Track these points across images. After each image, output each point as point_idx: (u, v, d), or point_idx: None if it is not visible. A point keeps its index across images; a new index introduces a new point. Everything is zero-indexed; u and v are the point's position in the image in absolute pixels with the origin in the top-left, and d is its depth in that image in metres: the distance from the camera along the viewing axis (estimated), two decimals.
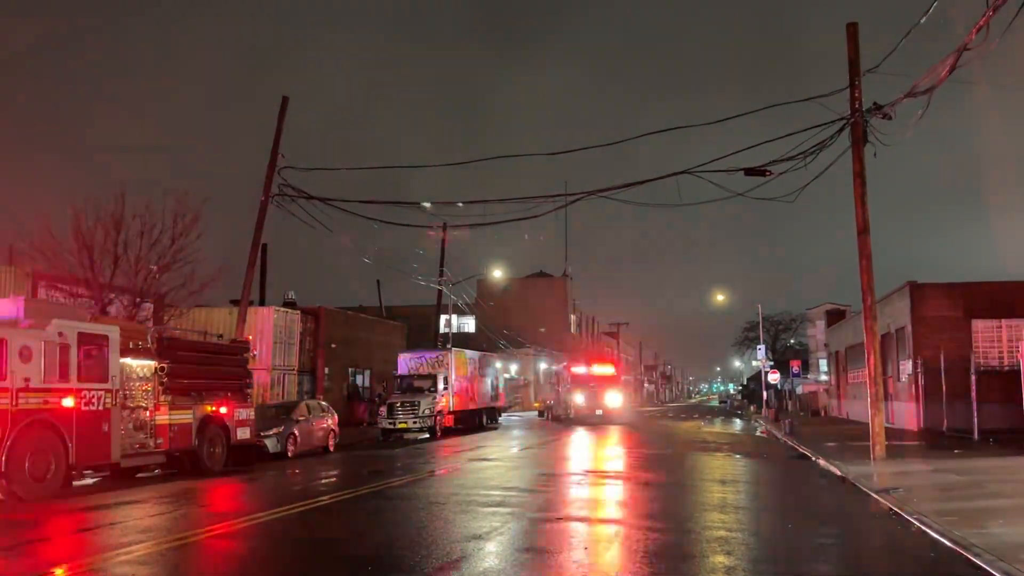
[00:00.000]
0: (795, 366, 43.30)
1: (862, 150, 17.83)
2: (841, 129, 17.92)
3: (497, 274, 52.76)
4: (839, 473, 15.89)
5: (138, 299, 24.69)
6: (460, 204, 24.88)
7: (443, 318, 44.43)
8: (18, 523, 11.21)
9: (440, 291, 42.31)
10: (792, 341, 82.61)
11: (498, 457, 21.49)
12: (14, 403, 13.05)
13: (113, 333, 15.62)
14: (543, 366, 64.39)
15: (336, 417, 25.96)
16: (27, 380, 13.34)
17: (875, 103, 17.52)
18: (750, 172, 19.21)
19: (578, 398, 42.43)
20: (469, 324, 61.71)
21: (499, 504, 12.65)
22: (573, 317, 78.61)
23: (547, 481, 16.14)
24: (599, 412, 40.99)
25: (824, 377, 56.14)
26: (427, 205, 25.44)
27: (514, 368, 51.99)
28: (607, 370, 44.42)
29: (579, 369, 44.56)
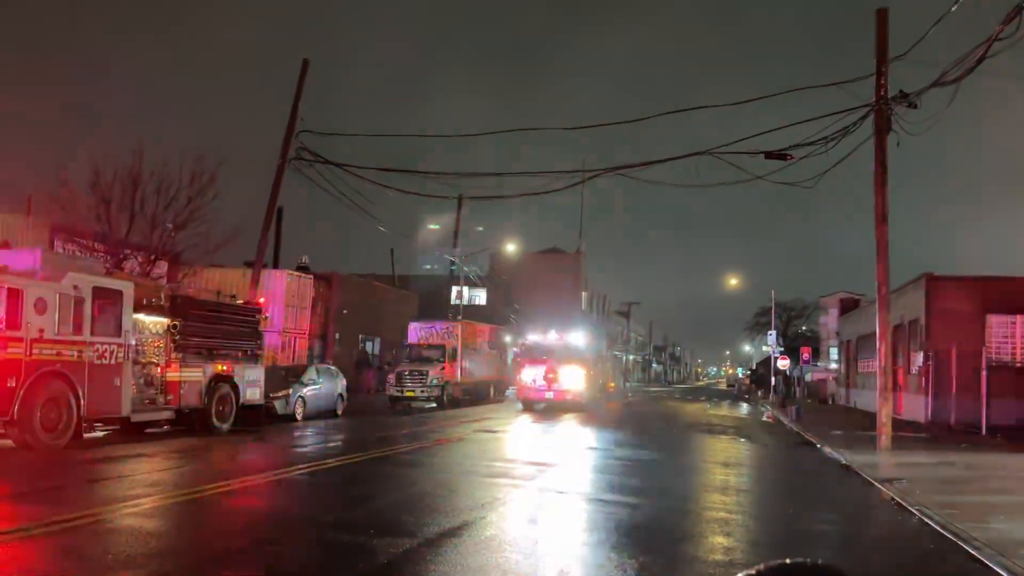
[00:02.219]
0: (805, 353, 43.00)
1: (885, 138, 17.62)
2: (865, 116, 17.71)
3: (511, 248, 52.66)
4: (843, 461, 15.89)
5: (153, 257, 24.82)
6: (446, 175, 24.76)
7: (454, 289, 44.50)
8: (28, 471, 11.39)
9: (453, 262, 42.34)
10: (804, 328, 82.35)
11: (503, 429, 21.60)
12: (28, 353, 13.21)
13: (127, 289, 15.74)
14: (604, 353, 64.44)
15: (345, 382, 26.15)
16: (41, 331, 13.48)
17: (901, 91, 17.29)
18: (771, 155, 19.04)
19: (525, 376, 31.56)
20: (480, 296, 61.78)
21: (502, 475, 12.75)
22: (585, 294, 78.56)
23: (551, 454, 16.22)
24: (549, 395, 30.78)
25: (834, 365, 55.97)
26: (442, 196, 25.34)
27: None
28: (568, 341, 32.80)
29: (532, 338, 33.55)
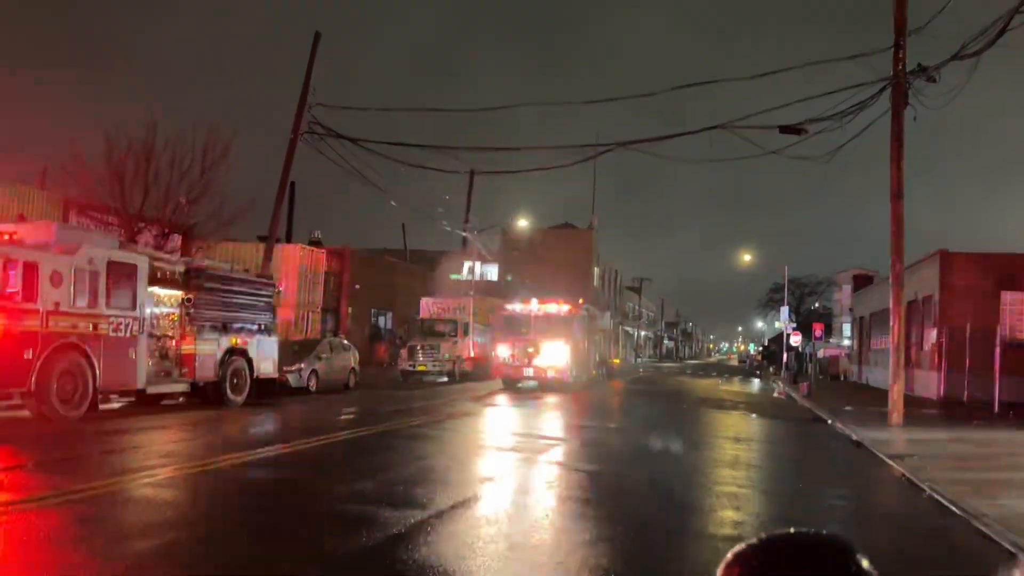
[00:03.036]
0: (818, 329, 42.85)
1: (902, 113, 17.42)
2: (882, 90, 17.50)
3: (522, 223, 52.54)
4: (854, 437, 15.89)
5: (167, 230, 24.95)
6: (454, 150, 24.62)
7: (465, 264, 44.52)
8: (45, 442, 11.54)
9: (465, 238, 42.33)
10: (816, 305, 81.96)
11: (514, 404, 21.68)
12: (44, 325, 13.34)
13: (142, 262, 15.84)
14: (600, 325, 64.49)
15: (358, 356, 26.30)
16: (57, 304, 13.60)
17: (919, 64, 17.07)
18: (786, 130, 18.88)
19: (502, 351, 27.67)
20: (492, 272, 61.80)
21: (512, 449, 12.82)
22: (596, 270, 78.43)
23: (560, 429, 16.30)
24: (528, 372, 27.11)
25: (847, 342, 55.81)
26: (453, 170, 25.22)
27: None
28: (553, 309, 28.37)
29: (511, 308, 28.95)
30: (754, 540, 1.02)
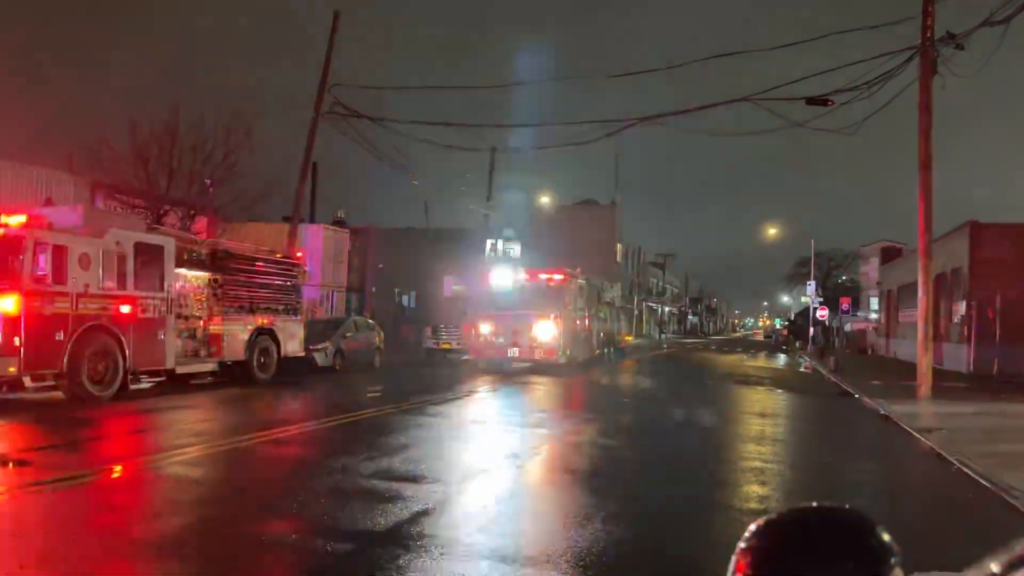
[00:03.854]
0: (845, 303, 42.53)
1: (930, 82, 17.11)
2: (910, 59, 17.19)
3: (544, 200, 52.38)
4: (882, 411, 15.78)
5: (192, 212, 25.20)
6: (479, 126, 24.46)
7: (488, 242, 44.51)
8: (77, 422, 11.75)
9: (487, 215, 42.30)
10: (844, 278, 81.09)
11: (537, 382, 21.65)
12: (74, 308, 13.55)
13: (169, 244, 16.02)
14: (606, 298, 64.43)
15: (382, 335, 26.46)
16: (86, 286, 13.80)
17: (948, 32, 16.72)
18: (812, 101, 18.63)
19: (483, 328, 24.66)
20: (515, 250, 61.77)
21: (536, 425, 12.87)
22: (620, 246, 78.14)
23: (584, 405, 16.34)
24: (513, 353, 24.15)
25: (874, 315, 55.25)
26: (474, 148, 25.14)
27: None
28: (542, 281, 25.18)
29: (494, 281, 25.55)
30: (774, 514, 1.02)
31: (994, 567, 0.95)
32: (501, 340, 24.29)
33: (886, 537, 0.94)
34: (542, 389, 19.35)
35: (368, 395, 17.04)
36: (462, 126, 25.65)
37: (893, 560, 0.92)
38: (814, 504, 1.03)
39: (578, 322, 26.39)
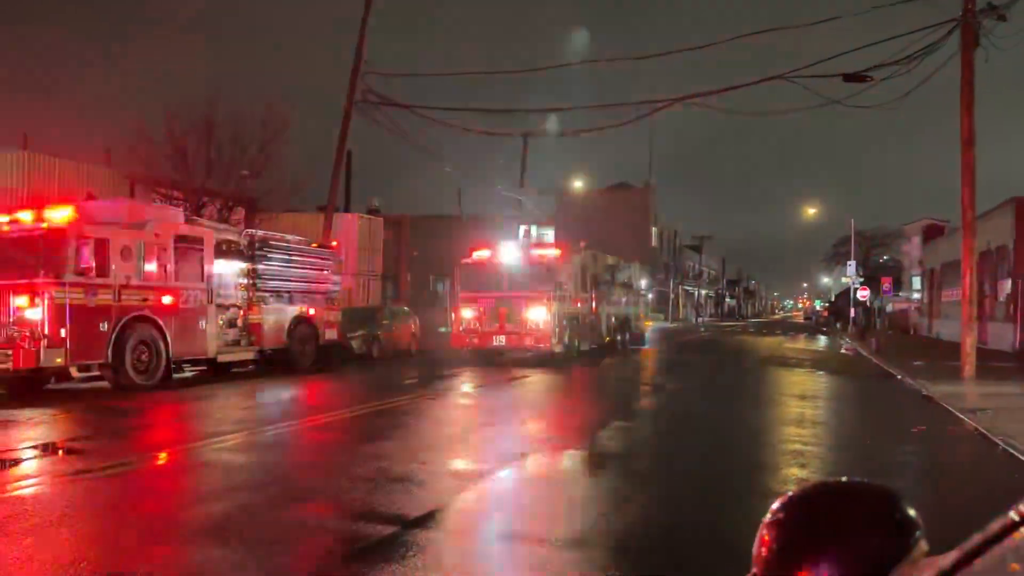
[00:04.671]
0: (886, 283, 41.73)
1: (972, 55, 16.69)
2: (951, 31, 16.78)
3: (577, 184, 52.16)
4: (925, 392, 15.53)
5: (230, 203, 25.54)
6: (511, 111, 24.40)
7: (521, 228, 44.46)
8: (122, 411, 12.02)
9: (520, 201, 42.27)
10: (885, 257, 79.76)
11: (574, 367, 21.60)
12: (117, 299, 13.84)
13: (208, 235, 16.27)
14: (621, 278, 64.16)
15: (418, 322, 26.61)
16: (128, 278, 14.08)
17: (989, 2, 16.29)
18: (849, 78, 18.30)
19: (465, 313, 21.54)
20: (548, 235, 61.70)
21: (572, 412, 12.89)
22: (654, 229, 77.58)
23: (621, 390, 16.30)
24: (499, 341, 21.09)
25: (916, 295, 54.29)
26: (506, 132, 25.09)
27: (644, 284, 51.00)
28: (534, 256, 22.10)
29: (479, 257, 22.31)
30: (798, 488, 1.02)
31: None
32: (486, 326, 21.03)
33: (911, 511, 0.94)
34: (510, 393, 15.34)
35: (405, 382, 17.18)
36: (494, 112, 25.71)
37: (917, 533, 0.92)
38: (841, 479, 1.03)
39: (580, 304, 23.04)
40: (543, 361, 20.61)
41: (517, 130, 32.21)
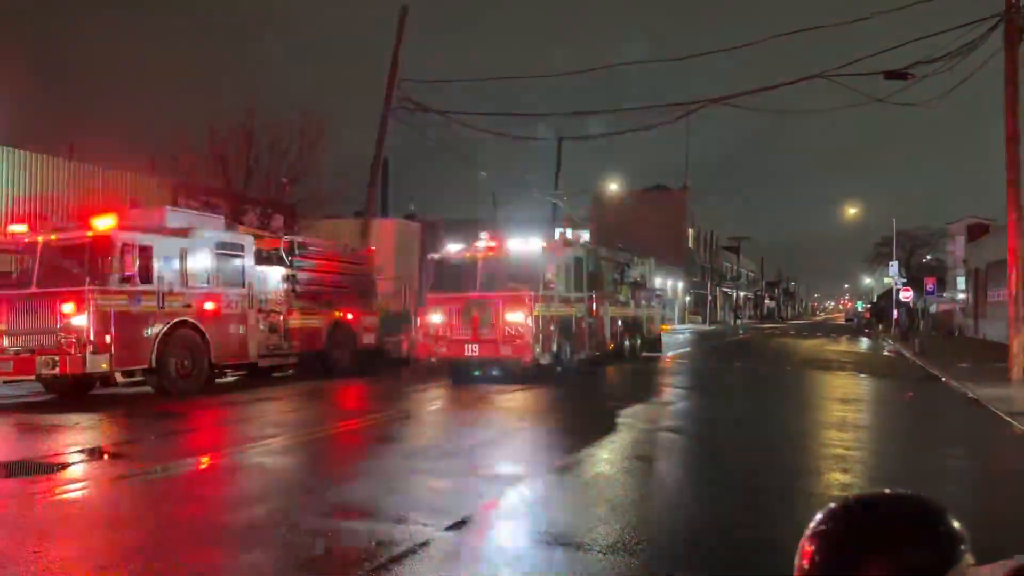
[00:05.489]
0: (929, 283, 40.97)
1: (1016, 51, 16.34)
2: (992, 28, 16.44)
3: (612, 187, 52.00)
4: (971, 395, 15.22)
5: (270, 210, 25.91)
6: (545, 116, 24.37)
7: (556, 231, 44.37)
8: (167, 415, 12.24)
9: (555, 204, 42.22)
10: (928, 257, 78.32)
11: (560, 381, 21.29)
12: (160, 305, 14.09)
13: (248, 241, 16.51)
14: (657, 280, 63.88)
15: None
16: (171, 284, 14.33)
17: None
18: (891, 76, 18.02)
19: (433, 318, 17.92)
20: (584, 238, 61.54)
21: (609, 414, 12.83)
22: (691, 231, 77.02)
23: (659, 393, 16.20)
24: (472, 350, 17.47)
25: (961, 296, 53.17)
26: (541, 137, 25.11)
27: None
28: (514, 250, 18.21)
29: (452, 250, 19.11)
30: (842, 500, 1.01)
31: None
32: (457, 333, 17.58)
33: (955, 523, 0.93)
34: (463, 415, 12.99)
35: (439, 387, 17.24)
36: (529, 116, 25.91)
37: (963, 547, 0.91)
38: (885, 491, 1.02)
39: (576, 307, 19.43)
40: (526, 374, 17.11)
41: (551, 134, 32.08)
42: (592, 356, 20.33)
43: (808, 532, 0.98)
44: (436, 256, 19.16)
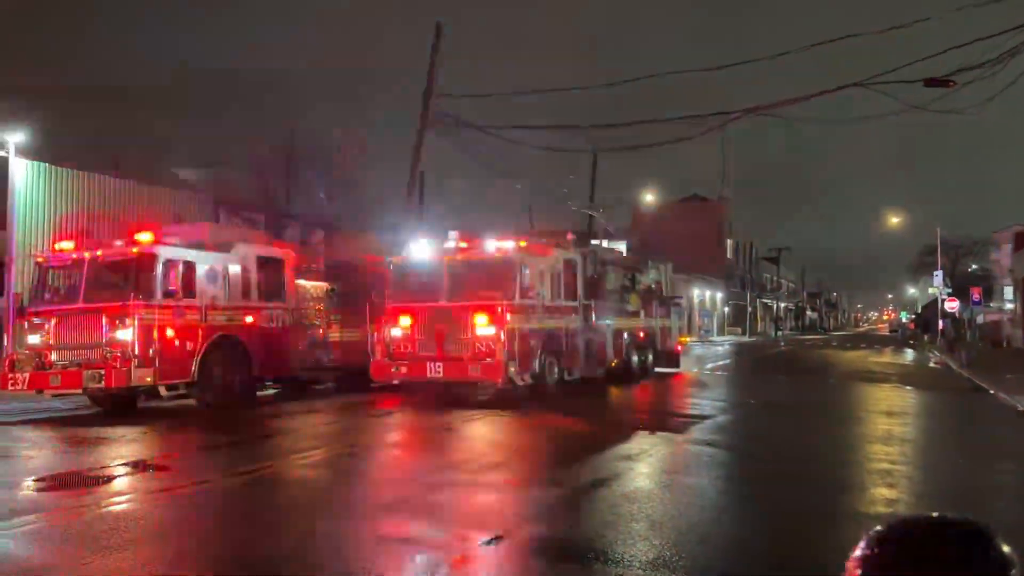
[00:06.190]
0: (976, 293, 40.06)
1: None
2: None
3: (648, 198, 51.76)
4: (1021, 408, 14.83)
5: (310, 225, 26.27)
6: (581, 128, 24.36)
7: (592, 243, 44.28)
8: (208, 428, 12.42)
9: (590, 216, 42.14)
10: (974, 266, 76.68)
11: (614, 388, 20.91)
12: (203, 319, 14.33)
13: (288, 256, 16.74)
14: (695, 292, 63.42)
15: None
16: (214, 299, 14.56)
17: None
18: (931, 83, 17.70)
19: (393, 332, 15.58)
20: (620, 248, 61.35)
21: (655, 428, 12.73)
22: (730, 242, 76.33)
23: (702, 407, 16.03)
24: (436, 370, 14.83)
25: (1009, 305, 51.93)
26: (577, 149, 25.17)
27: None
28: (488, 252, 15.50)
29: (414, 252, 16.24)
30: (888, 523, 0.99)
31: None
32: (419, 350, 15.22)
33: (1005, 547, 0.90)
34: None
35: (479, 397, 17.25)
36: (563, 128, 25.93)
37: (1013, 572, 0.89)
38: (932, 514, 1.00)
39: (565, 319, 16.72)
40: (504, 397, 15.00)
41: (587, 146, 32.05)
42: (591, 374, 17.66)
43: (854, 556, 0.97)
44: (396, 258, 16.25)
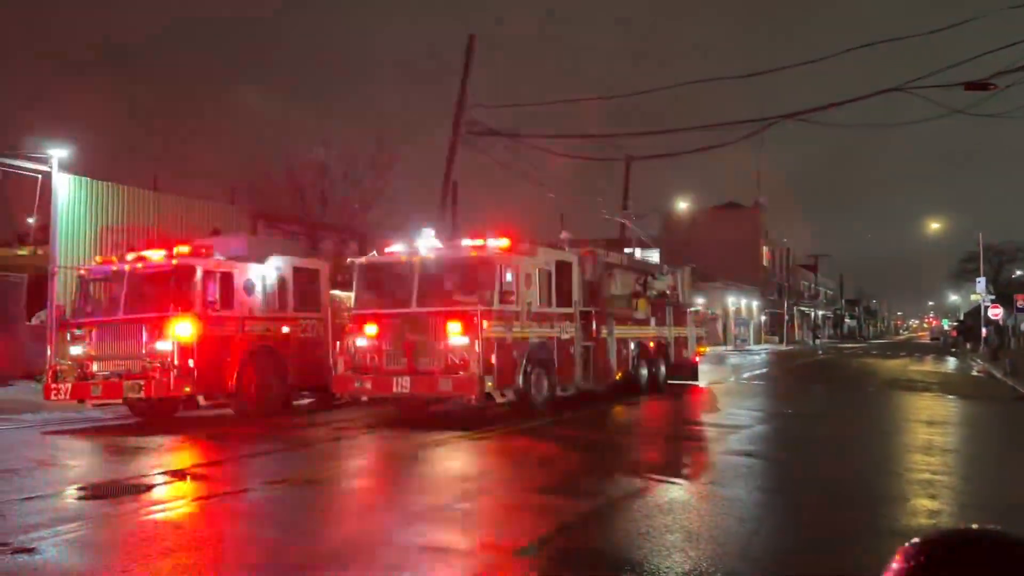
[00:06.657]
0: (1020, 300, 39.19)
1: None
2: None
3: (682, 206, 51.49)
4: None
5: (345, 236, 26.53)
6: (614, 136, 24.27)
7: (626, 251, 44.14)
8: (246, 437, 12.54)
9: (623, 224, 42.00)
10: (1018, 272, 75.05)
11: (618, 405, 20.78)
12: (241, 331, 14.51)
13: (324, 267, 16.92)
14: (731, 300, 62.84)
15: None
16: (251, 310, 14.75)
17: None
18: (971, 87, 17.43)
19: (359, 340, 13.80)
20: (653, 256, 61.07)
21: (696, 438, 12.64)
22: (766, 249, 75.55)
23: (739, 417, 15.85)
24: (403, 384, 13.07)
25: None
26: (611, 158, 25.10)
27: (701, 302, 50.34)
28: (464, 253, 14.09)
29: (378, 255, 14.98)
30: (924, 535, 0.97)
31: None
32: (387, 363, 13.72)
33: None
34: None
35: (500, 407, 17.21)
36: (596, 137, 26.01)
37: None
38: (973, 526, 0.98)
39: (557, 326, 15.10)
40: (485, 416, 14.04)
41: (621, 154, 31.99)
42: (591, 388, 16.11)
43: (890, 570, 0.95)
44: (362, 260, 14.93)
